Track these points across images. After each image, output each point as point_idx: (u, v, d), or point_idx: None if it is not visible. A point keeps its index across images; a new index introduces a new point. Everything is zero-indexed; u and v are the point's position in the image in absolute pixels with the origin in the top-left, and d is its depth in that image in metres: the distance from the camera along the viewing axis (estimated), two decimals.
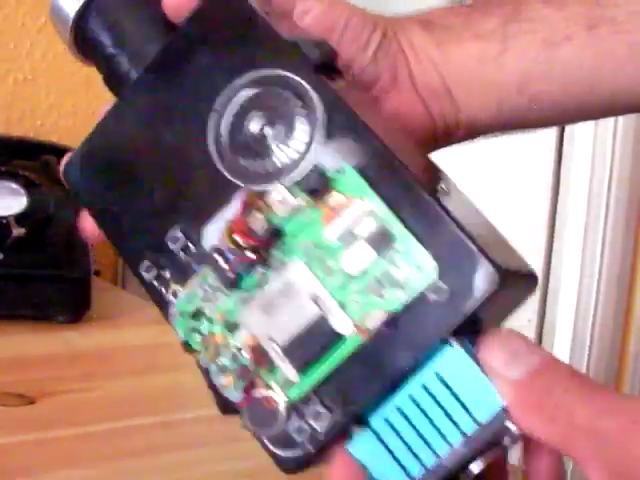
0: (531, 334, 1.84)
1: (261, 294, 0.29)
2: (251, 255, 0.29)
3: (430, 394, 0.26)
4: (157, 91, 0.34)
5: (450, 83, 0.43)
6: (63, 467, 0.51)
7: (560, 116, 0.45)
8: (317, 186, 0.28)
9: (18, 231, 0.71)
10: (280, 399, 0.28)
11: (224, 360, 0.30)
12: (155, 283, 0.32)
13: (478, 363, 0.26)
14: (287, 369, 0.28)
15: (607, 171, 1.54)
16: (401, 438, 0.26)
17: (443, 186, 0.30)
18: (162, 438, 0.57)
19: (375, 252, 0.27)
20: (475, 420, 0.25)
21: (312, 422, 0.28)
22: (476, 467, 0.26)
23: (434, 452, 0.26)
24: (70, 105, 1.00)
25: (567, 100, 0.42)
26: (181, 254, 0.31)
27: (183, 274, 0.31)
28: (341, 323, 0.27)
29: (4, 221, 0.71)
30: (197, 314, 0.31)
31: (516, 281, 0.27)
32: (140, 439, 0.56)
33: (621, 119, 1.54)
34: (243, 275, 0.29)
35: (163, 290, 0.32)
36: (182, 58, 0.34)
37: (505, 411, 0.25)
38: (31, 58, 0.98)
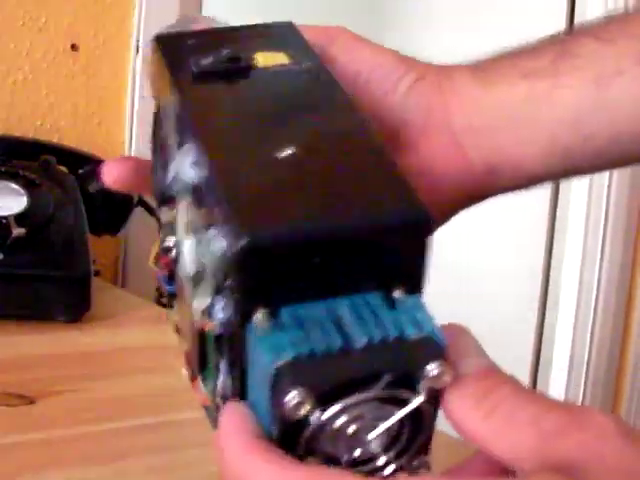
0: (531, 334, 1.84)
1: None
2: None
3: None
4: None
5: (495, 124, 0.42)
6: (63, 467, 0.51)
7: (617, 155, 0.43)
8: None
9: (18, 231, 0.71)
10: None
11: None
12: None
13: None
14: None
15: (606, 175, 1.54)
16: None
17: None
18: (162, 438, 0.57)
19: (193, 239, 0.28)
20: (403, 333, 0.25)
21: None
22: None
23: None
24: (70, 105, 1.00)
25: (623, 137, 0.41)
26: None
27: None
28: None
29: (4, 221, 0.71)
30: None
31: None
32: (140, 439, 0.56)
33: None
34: None
35: None
36: None
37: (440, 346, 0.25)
38: (31, 58, 0.98)
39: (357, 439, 0.24)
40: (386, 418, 0.24)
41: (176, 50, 0.36)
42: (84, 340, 0.72)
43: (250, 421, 0.26)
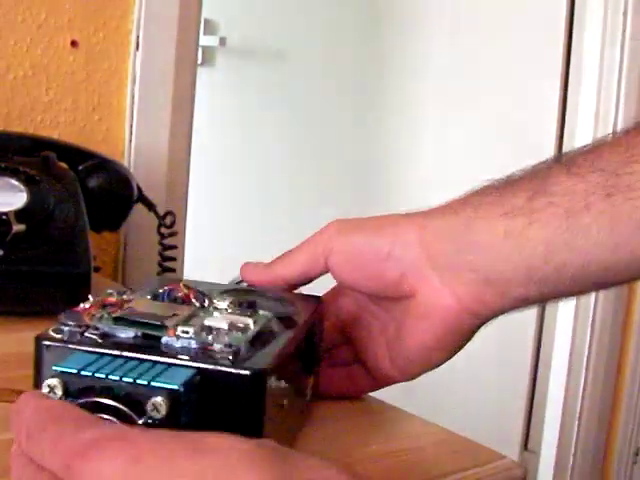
0: (531, 334, 1.84)
1: None
2: None
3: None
4: None
5: (477, 262, 0.48)
6: None
7: (586, 282, 0.47)
8: None
9: (18, 227, 0.71)
10: None
11: None
12: None
13: None
14: None
15: None
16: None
17: None
18: None
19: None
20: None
21: None
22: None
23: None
24: (70, 101, 1.00)
25: (591, 265, 0.45)
26: None
27: None
28: None
29: (4, 217, 0.71)
30: None
31: None
32: None
33: (620, 121, 1.54)
34: None
35: None
36: None
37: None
38: (31, 54, 0.98)
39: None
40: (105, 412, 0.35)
41: None
42: None
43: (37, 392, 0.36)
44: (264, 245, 2.32)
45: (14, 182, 0.75)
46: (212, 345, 0.39)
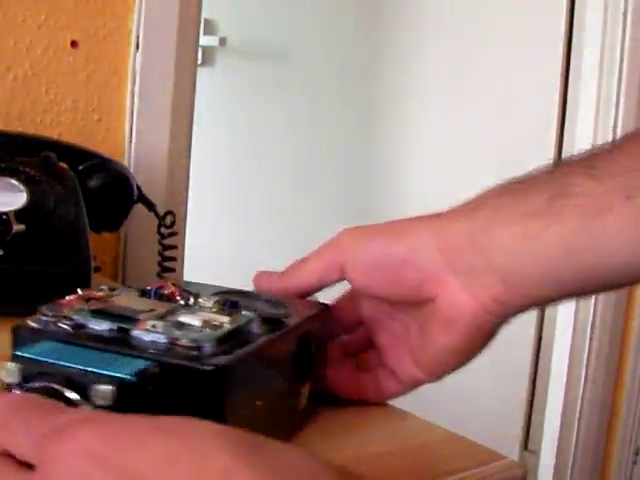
0: (531, 334, 1.84)
1: None
2: None
3: None
4: None
5: (496, 264, 0.48)
6: None
7: (605, 282, 0.47)
8: None
9: (18, 227, 0.71)
10: None
11: None
12: None
13: None
14: None
15: None
16: None
17: None
18: None
19: None
20: None
21: None
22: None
23: None
24: (70, 101, 1.00)
25: (611, 267, 0.46)
26: None
27: None
28: None
29: (4, 217, 0.71)
30: None
31: None
32: None
33: (620, 121, 1.54)
34: None
35: None
36: None
37: None
38: (31, 54, 0.98)
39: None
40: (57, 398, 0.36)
41: None
42: None
43: None
44: (264, 245, 2.33)
45: (14, 182, 0.75)
46: (179, 340, 0.40)
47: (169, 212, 0.95)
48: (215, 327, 0.42)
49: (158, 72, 1.04)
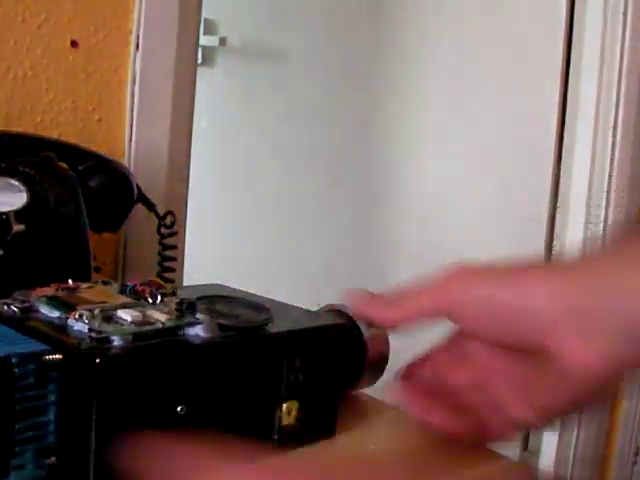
0: None
1: None
2: None
3: None
4: None
5: (626, 312, 0.44)
6: None
7: None
8: None
9: (18, 227, 0.71)
10: None
11: None
12: None
13: None
14: None
15: (606, 175, 1.54)
16: None
17: None
18: None
19: None
20: None
21: None
22: None
23: None
24: (70, 101, 1.00)
25: None
26: None
27: None
28: None
29: (4, 217, 0.71)
30: None
31: None
32: None
33: (620, 121, 1.54)
34: None
35: None
36: None
37: None
38: (31, 54, 0.98)
39: None
40: None
41: None
42: None
43: None
44: (264, 245, 2.32)
45: (14, 182, 0.75)
46: (95, 331, 0.42)
47: (169, 212, 0.95)
48: (145, 324, 0.44)
49: (158, 72, 1.04)
